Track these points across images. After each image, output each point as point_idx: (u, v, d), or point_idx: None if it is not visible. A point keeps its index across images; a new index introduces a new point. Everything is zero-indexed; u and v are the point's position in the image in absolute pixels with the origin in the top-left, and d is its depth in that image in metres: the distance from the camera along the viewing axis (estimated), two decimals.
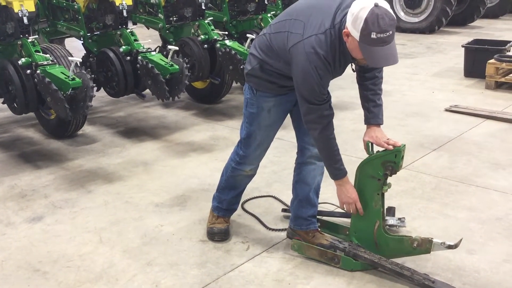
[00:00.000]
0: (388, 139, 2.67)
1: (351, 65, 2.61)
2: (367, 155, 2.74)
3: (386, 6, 2.29)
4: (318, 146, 2.68)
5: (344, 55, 2.47)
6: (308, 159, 2.89)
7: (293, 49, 2.47)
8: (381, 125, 2.76)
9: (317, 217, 3.07)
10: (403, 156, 2.64)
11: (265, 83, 2.73)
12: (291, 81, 2.59)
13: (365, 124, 2.77)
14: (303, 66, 2.44)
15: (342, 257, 2.80)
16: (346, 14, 2.36)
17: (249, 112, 2.83)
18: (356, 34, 2.29)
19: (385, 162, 2.65)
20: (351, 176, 2.75)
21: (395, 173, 2.68)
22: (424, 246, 2.67)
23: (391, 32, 2.28)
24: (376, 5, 2.25)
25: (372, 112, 2.72)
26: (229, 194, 3.12)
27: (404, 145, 2.67)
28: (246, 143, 2.90)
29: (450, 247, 2.64)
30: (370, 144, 2.74)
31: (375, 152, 2.72)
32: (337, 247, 2.86)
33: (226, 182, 3.08)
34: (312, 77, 2.44)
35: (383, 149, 2.67)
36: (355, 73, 2.73)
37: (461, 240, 2.66)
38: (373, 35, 2.25)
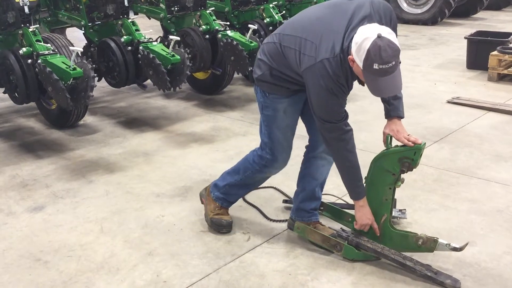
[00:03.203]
0: (408, 135, 2.65)
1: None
2: (385, 148, 2.70)
3: (390, 36, 2.28)
4: (341, 166, 2.67)
5: (355, 74, 2.47)
6: (319, 154, 2.88)
7: (307, 71, 2.48)
8: (402, 119, 2.72)
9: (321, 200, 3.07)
10: (421, 154, 2.62)
11: (276, 87, 2.73)
12: (301, 85, 2.60)
13: (385, 117, 2.74)
14: (318, 90, 2.45)
15: (345, 246, 2.80)
16: (353, 37, 2.35)
17: (266, 115, 2.82)
18: (359, 63, 2.31)
19: (402, 158, 2.62)
20: (365, 168, 2.74)
21: (411, 170, 2.65)
22: (429, 244, 2.67)
23: (394, 63, 2.28)
24: (379, 36, 2.25)
25: (393, 105, 2.69)
26: (243, 190, 3.13)
27: (424, 143, 2.64)
28: (271, 147, 2.86)
29: (455, 249, 2.64)
30: (389, 137, 2.71)
31: (393, 146, 2.70)
32: (340, 236, 2.87)
33: (243, 181, 3.04)
34: (328, 100, 2.46)
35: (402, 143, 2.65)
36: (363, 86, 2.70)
37: (466, 244, 2.66)
38: (375, 66, 2.26)
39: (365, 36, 2.28)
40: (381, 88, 2.38)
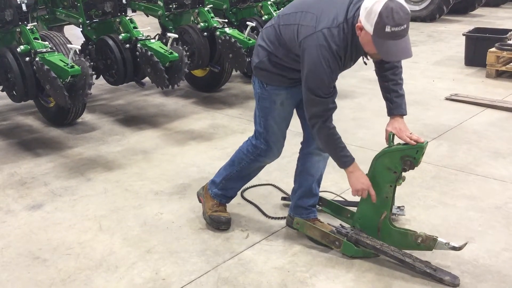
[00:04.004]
0: (411, 133, 2.64)
1: (362, 58, 2.58)
2: (387, 146, 2.70)
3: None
4: (320, 139, 2.66)
5: (357, 49, 2.46)
6: (314, 149, 2.88)
7: (304, 41, 2.46)
8: (404, 116, 2.71)
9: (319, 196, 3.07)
10: (423, 153, 2.62)
11: (274, 76, 2.71)
12: (299, 74, 2.58)
13: (388, 115, 2.72)
14: (314, 59, 2.43)
15: (344, 242, 2.80)
16: (359, 8, 2.35)
17: (263, 106, 2.81)
18: (369, 28, 2.28)
19: (404, 157, 2.61)
20: (363, 165, 2.73)
21: (413, 169, 2.65)
22: (428, 243, 2.67)
23: (405, 25, 2.26)
24: None
25: (395, 103, 2.68)
26: (240, 183, 3.12)
27: (427, 142, 2.64)
28: (267, 137, 2.87)
29: (454, 248, 2.64)
30: (392, 135, 2.70)
31: (395, 143, 2.69)
32: (340, 232, 2.87)
33: (239, 172, 3.04)
34: (321, 70, 2.43)
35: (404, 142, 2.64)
36: (365, 65, 2.69)
37: (466, 243, 2.67)
38: (388, 29, 2.24)
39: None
40: (393, 52, 2.34)
